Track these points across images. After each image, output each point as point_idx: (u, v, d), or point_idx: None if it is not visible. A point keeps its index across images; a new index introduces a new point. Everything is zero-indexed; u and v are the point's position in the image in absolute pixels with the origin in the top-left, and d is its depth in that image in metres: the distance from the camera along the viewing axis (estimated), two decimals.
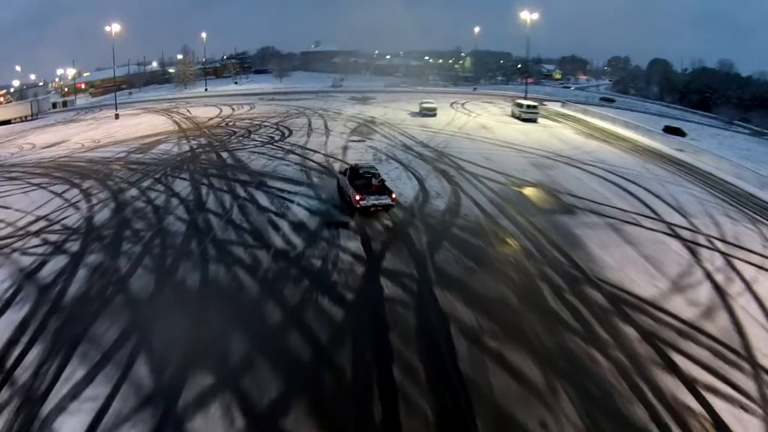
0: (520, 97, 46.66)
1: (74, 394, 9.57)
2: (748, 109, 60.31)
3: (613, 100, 57.92)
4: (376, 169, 20.59)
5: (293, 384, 9.72)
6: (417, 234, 16.61)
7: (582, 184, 22.81)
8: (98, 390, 9.60)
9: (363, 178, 19.10)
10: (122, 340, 11.06)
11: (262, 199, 19.69)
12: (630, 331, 11.59)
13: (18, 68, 65.71)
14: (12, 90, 63.53)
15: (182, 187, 21.70)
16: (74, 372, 10.15)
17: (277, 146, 29.25)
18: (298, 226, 17.06)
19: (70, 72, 71.24)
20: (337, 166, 23.91)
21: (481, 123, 38.13)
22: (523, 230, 17.23)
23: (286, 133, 33.25)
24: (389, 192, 18.38)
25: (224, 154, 27.45)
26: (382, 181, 19.38)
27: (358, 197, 17.59)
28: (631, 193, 21.74)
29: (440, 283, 13.40)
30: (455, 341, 10.91)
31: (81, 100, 62.50)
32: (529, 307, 12.48)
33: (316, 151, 27.69)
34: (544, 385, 9.82)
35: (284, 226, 17.21)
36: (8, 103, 56.55)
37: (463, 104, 46.81)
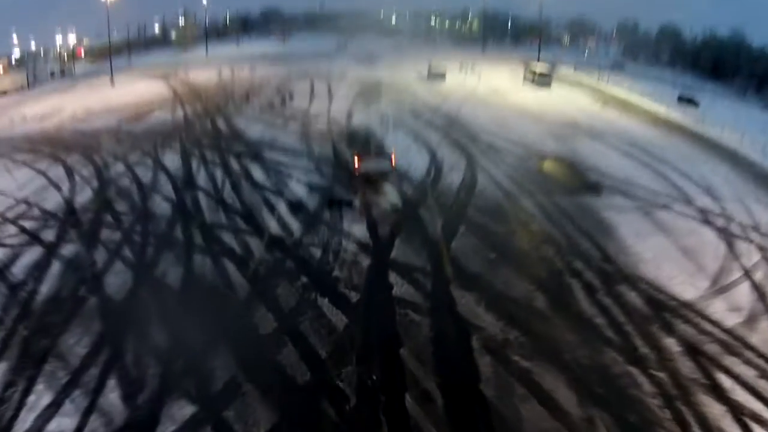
0: (531, 61, 43.34)
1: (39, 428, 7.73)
2: (762, 82, 56.02)
3: (623, 66, 54.31)
4: (374, 132, 18.89)
5: (287, 415, 7.80)
6: (430, 216, 14.38)
7: (605, 158, 20.21)
8: (64, 422, 7.76)
9: (361, 143, 17.52)
10: (93, 356, 9.05)
11: (258, 174, 17.40)
12: (671, 344, 9.47)
13: (15, 37, 61.87)
14: (13, 58, 60.20)
15: (172, 160, 19.35)
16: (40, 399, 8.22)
17: (276, 112, 26.70)
18: (297, 206, 14.85)
19: (71, 39, 67.44)
20: (340, 131, 21.61)
21: (493, 87, 34.87)
22: (547, 213, 14.94)
23: (288, 97, 30.49)
24: (389, 156, 16.87)
25: (220, 122, 24.93)
26: (381, 146, 17.77)
27: (357, 163, 16.21)
28: (657, 172, 19.14)
29: (458, 280, 11.26)
30: (478, 358, 8.86)
31: (80, 67, 59.08)
32: (559, 311, 10.35)
33: (318, 117, 25.19)
34: (579, 415, 7.81)
35: (281, 206, 14.98)
36: (6, 72, 53.49)
37: (471, 66, 43.31)
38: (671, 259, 12.65)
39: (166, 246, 12.99)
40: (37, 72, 51.03)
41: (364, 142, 17.80)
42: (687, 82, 48.67)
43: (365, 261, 12.04)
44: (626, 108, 31.25)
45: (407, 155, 19.06)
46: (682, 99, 34.81)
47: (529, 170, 18.40)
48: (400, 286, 11.01)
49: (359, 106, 27.49)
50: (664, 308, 10.62)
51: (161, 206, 15.48)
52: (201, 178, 17.30)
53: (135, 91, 36.16)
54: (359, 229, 13.51)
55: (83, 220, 14.80)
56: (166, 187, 16.82)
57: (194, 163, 18.73)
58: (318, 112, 26.37)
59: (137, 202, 15.84)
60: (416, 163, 18.34)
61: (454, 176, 17.41)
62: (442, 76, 37.07)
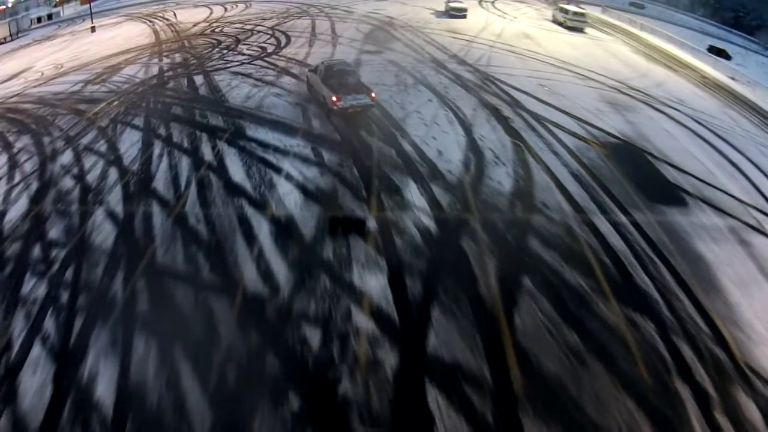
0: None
1: None
2: None
3: (642, 6, 44.58)
4: (351, 65, 15.85)
5: None
6: (477, 253, 8.91)
7: (674, 143, 14.07)
8: None
9: (338, 77, 14.57)
10: None
11: (236, 168, 11.57)
12: None
13: None
14: (8, 3, 51.43)
15: (131, 143, 13.46)
16: None
17: (268, 62, 19.95)
18: (285, 231, 9.42)
19: None
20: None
21: (522, 30, 26.95)
22: (631, 243, 9.48)
23: (283, 41, 23.44)
24: (368, 90, 14.14)
25: (198, 79, 18.38)
26: (359, 79, 14.75)
27: (334, 98, 13.62)
28: (734, 164, 13.30)
29: (529, 398, 6.24)
30: None
31: (69, 9, 50.51)
32: None
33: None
34: None
35: (262, 231, 9.48)
36: None
37: (492, 2, 34.51)
38: None
39: (99, 316, 7.88)
40: (21, 20, 43.38)
41: (340, 75, 14.63)
42: (714, 31, 39.22)
43: (388, 358, 6.84)
44: (671, 63, 23.97)
45: (435, 132, 13.05)
46: (712, 50, 27.88)
47: (594, 162, 12.37)
48: (445, 418, 6.02)
49: (369, 53, 20.49)
50: None
51: (103, 230, 10.08)
52: (160, 177, 11.60)
53: (113, 38, 29.03)
54: (377, 282, 8.13)
55: (6, 256, 9.86)
56: (114, 194, 11.39)
57: (156, 150, 12.99)
58: (319, 62, 19.65)
59: (74, 223, 10.64)
60: (448, 147, 12.37)
61: (501, 174, 11.47)
62: (463, 13, 29.03)
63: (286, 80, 17.51)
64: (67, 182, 12.20)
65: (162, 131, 14.00)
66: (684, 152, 13.74)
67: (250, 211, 9.99)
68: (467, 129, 13.51)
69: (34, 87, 21.90)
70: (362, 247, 8.95)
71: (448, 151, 12.14)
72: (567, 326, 7.73)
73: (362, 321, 7.65)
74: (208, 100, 16.16)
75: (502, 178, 11.40)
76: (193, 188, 10.94)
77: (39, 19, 45.87)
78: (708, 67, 24.70)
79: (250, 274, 8.48)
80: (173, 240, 9.48)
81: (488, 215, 10.14)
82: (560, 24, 29.00)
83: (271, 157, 11.85)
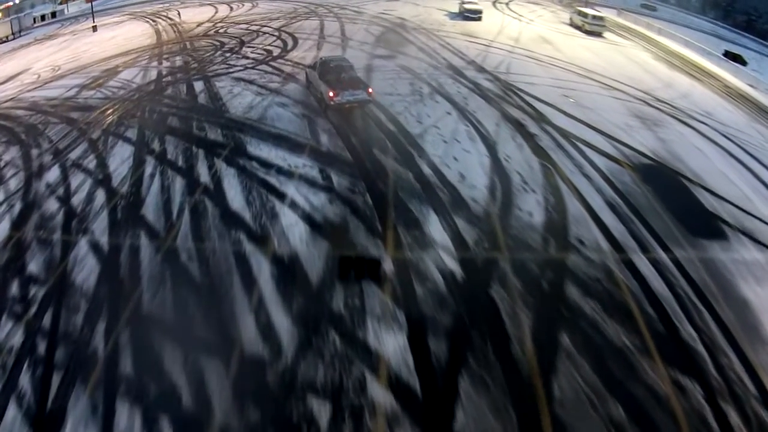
0: (580, 2, 32.68)
1: None
2: None
3: (654, 8, 42.99)
4: (349, 61, 15.41)
5: None
6: (509, 304, 7.55)
7: (707, 163, 12.56)
8: None
9: (335, 72, 14.33)
10: None
11: (234, 192, 10.26)
12: None
13: None
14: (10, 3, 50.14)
15: (121, 159, 12.25)
16: None
17: (274, 67, 18.58)
18: (289, 274, 8.14)
19: None
20: (357, 110, 13.80)
21: (540, 34, 25.33)
22: (674, 287, 8.14)
23: (290, 43, 22.17)
24: (365, 86, 13.99)
25: (198, 86, 17.06)
26: (356, 75, 14.57)
27: (331, 93, 13.48)
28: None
29: None
30: None
31: (74, 7, 49.33)
32: None
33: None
34: None
35: (263, 273, 8.20)
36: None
37: (507, 4, 32.93)
38: None
39: (78, 374, 6.69)
40: (23, 18, 42.23)
41: (338, 71, 14.36)
42: (728, 35, 37.44)
43: None
44: (690, 69, 22.47)
45: (456, 151, 11.68)
46: (728, 55, 26.32)
47: (628, 187, 10.92)
48: None
49: (381, 58, 19.04)
50: None
51: (85, 266, 8.86)
52: (151, 201, 10.33)
53: (114, 39, 27.84)
54: (395, 342, 6.82)
55: None
56: (100, 221, 10.18)
57: (148, 169, 11.73)
58: None
59: (56, 255, 9.35)
60: (471, 170, 10.98)
61: (531, 201, 10.09)
62: (478, 15, 27.44)
63: (291, 88, 16.18)
64: (52, 205, 11.00)
65: (156, 146, 12.75)
66: (718, 174, 12.31)
67: (249, 247, 8.74)
68: (491, 147, 12.12)
69: (29, 91, 20.75)
70: (378, 296, 7.67)
71: (471, 174, 10.79)
72: (610, 395, 6.44)
73: (379, 393, 6.39)
74: (207, 110, 14.88)
75: (532, 207, 10.06)
76: (186, 216, 9.67)
77: (43, 17, 44.86)
78: (728, 74, 23.18)
79: (248, 329, 7.23)
80: (162, 282, 8.25)
81: (519, 255, 8.81)
82: (578, 28, 27.48)
83: (273, 180, 10.55)
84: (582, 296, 8.04)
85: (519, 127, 13.49)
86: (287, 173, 10.81)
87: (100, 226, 9.98)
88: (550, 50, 22.34)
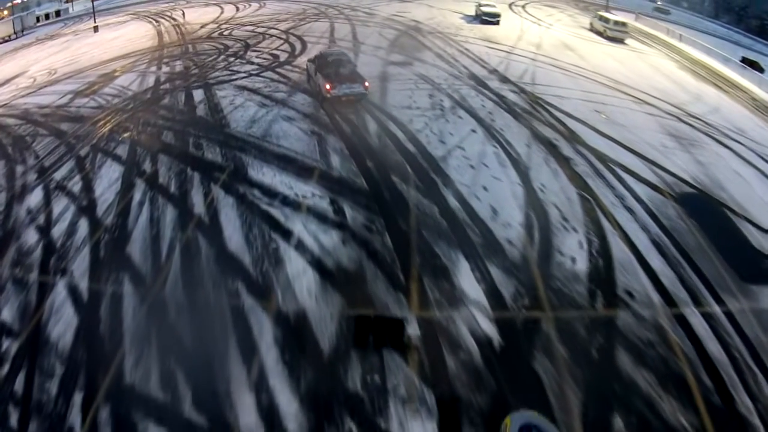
0: (595, 5, 30.93)
1: None
2: None
3: (668, 12, 41.43)
4: (347, 55, 15.52)
5: None
6: (554, 379, 6.17)
7: (749, 191, 11.22)
8: None
9: (334, 66, 14.39)
10: None
11: (232, 229, 8.82)
12: None
13: None
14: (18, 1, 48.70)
15: (109, 182, 10.80)
16: None
17: (280, 74, 17.09)
18: (296, 339, 6.70)
19: None
20: (372, 126, 12.46)
21: (561, 40, 23.65)
22: (729, 348, 7.01)
23: (298, 47, 20.72)
24: (362, 80, 14.03)
25: (198, 95, 15.58)
26: (354, 69, 14.59)
27: (328, 86, 13.62)
28: None
29: None
30: None
31: (79, 6, 47.99)
32: None
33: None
34: None
35: (265, 338, 6.71)
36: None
37: (523, 6, 31.27)
38: None
39: None
40: (26, 17, 40.94)
41: (336, 65, 14.43)
42: (744, 40, 35.62)
43: None
44: (715, 79, 21.06)
45: (485, 178, 10.19)
46: (745, 61, 24.78)
47: (674, 224, 9.53)
48: None
49: (396, 65, 17.47)
50: None
51: (63, 317, 7.45)
52: (138, 237, 8.87)
53: (115, 40, 26.47)
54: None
55: None
56: (81, 259, 8.75)
57: (137, 195, 10.28)
58: None
59: (33, 300, 8.13)
60: (504, 202, 9.51)
61: (573, 243, 8.68)
62: (496, 19, 25.76)
63: (299, 98, 14.75)
64: (31, 236, 9.64)
65: (147, 166, 11.32)
66: (761, 204, 10.84)
67: (248, 301, 7.32)
68: (523, 174, 10.62)
69: (23, 96, 19.41)
70: (402, 371, 6.25)
71: (504, 208, 9.33)
72: None
73: None
74: (205, 124, 13.42)
75: (574, 251, 8.59)
76: (176, 258, 8.32)
77: (47, 16, 43.57)
78: (752, 84, 21.64)
79: (247, 413, 5.82)
80: (147, 344, 6.87)
81: (564, 314, 7.36)
82: (599, 33, 25.82)
83: (278, 213, 9.12)
84: (635, 366, 6.65)
85: (551, 148, 11.97)
86: (293, 205, 9.37)
87: (80, 266, 8.62)
88: (574, 58, 20.73)
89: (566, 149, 12.07)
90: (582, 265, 8.41)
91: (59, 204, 10.58)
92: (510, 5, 31.47)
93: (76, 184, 11.23)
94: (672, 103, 16.94)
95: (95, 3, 44.61)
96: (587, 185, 10.71)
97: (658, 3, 42.52)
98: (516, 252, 8.46)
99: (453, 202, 9.37)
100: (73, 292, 8.09)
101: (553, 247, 8.73)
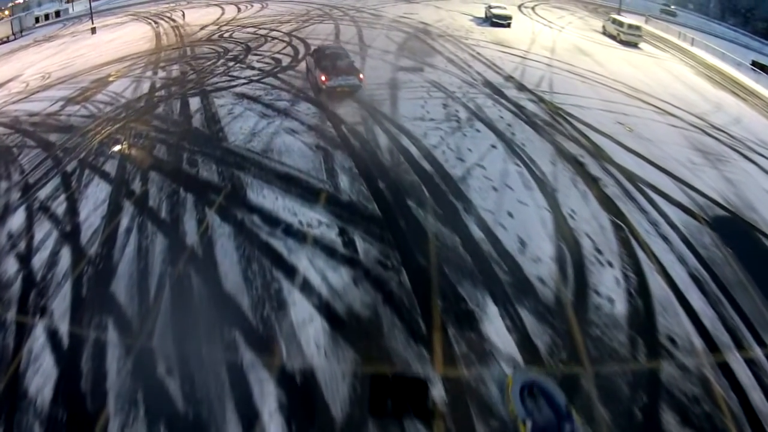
0: (604, 8, 29.73)
1: None
2: None
3: (675, 14, 40.58)
4: (344, 50, 15.98)
5: None
6: None
7: None
8: None
9: (331, 59, 14.69)
10: None
11: (229, 264, 7.73)
12: None
13: None
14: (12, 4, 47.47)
15: (95, 204, 9.71)
16: None
17: (282, 80, 15.94)
18: (303, 405, 5.65)
19: None
20: (383, 141, 11.33)
21: (575, 44, 22.53)
22: None
23: (301, 50, 19.47)
24: (357, 73, 14.37)
25: (194, 103, 14.42)
26: (351, 62, 14.87)
27: (323, 77, 13.87)
28: None
29: None
30: None
31: (80, 6, 46.82)
32: None
33: (344, 92, 14.35)
34: None
35: (267, 403, 5.63)
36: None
37: (532, 8, 30.13)
38: None
39: None
40: (24, 18, 39.77)
41: (333, 58, 14.73)
42: (748, 41, 34.51)
43: None
44: (732, 86, 20.14)
45: (509, 202, 9.14)
46: (756, 65, 24.06)
47: (711, 255, 8.66)
48: None
49: (406, 71, 16.30)
50: None
51: (41, 367, 6.44)
52: (124, 272, 7.78)
53: (112, 42, 25.40)
54: None
55: None
56: (62, 296, 7.62)
57: (124, 220, 9.22)
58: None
59: (9, 345, 6.92)
60: (532, 232, 8.46)
61: (609, 280, 7.66)
62: (507, 21, 24.58)
63: (303, 107, 13.70)
64: (10, 266, 8.65)
65: (136, 186, 10.22)
66: None
67: (248, 356, 6.27)
68: (551, 197, 9.54)
69: (14, 103, 18.37)
70: None
71: (532, 238, 8.27)
72: None
73: None
74: (201, 137, 12.30)
75: (611, 289, 7.55)
76: (165, 299, 7.29)
77: (46, 16, 42.38)
78: (766, 90, 20.63)
79: None
80: (133, 407, 5.84)
81: (605, 368, 6.33)
82: (612, 37, 24.72)
83: (280, 245, 8.05)
84: (681, 427, 5.71)
85: (578, 167, 10.88)
86: (298, 235, 8.30)
87: (61, 306, 7.60)
88: (590, 63, 19.61)
89: (593, 167, 10.97)
90: (621, 307, 7.41)
91: (41, 229, 9.56)
92: (519, 7, 30.33)
93: (60, 205, 10.19)
94: (694, 113, 15.97)
95: (96, 3, 43.59)
96: (619, 210, 9.69)
97: (672, 8, 41.43)
98: (549, 293, 7.44)
99: (476, 232, 8.33)
100: (53, 336, 7.08)
101: (589, 286, 7.70)
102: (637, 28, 24.71)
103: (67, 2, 50.25)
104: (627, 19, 25.74)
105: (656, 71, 20.54)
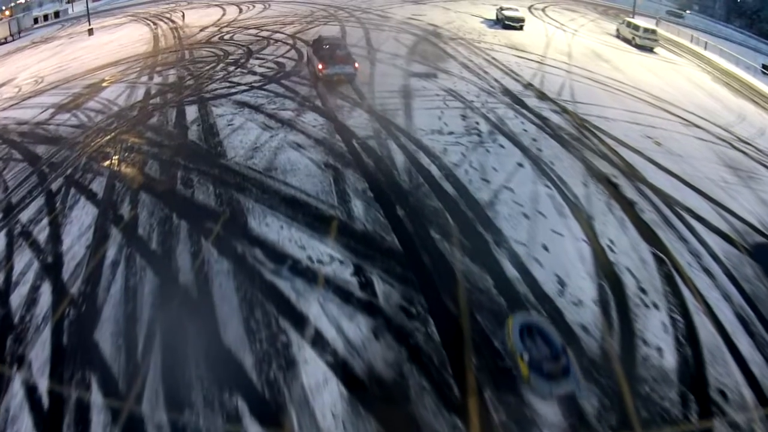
0: (614, 9, 28.58)
1: None
2: None
3: (681, 16, 39.65)
4: (342, 40, 16.92)
5: None
6: None
7: None
8: None
9: (329, 50, 15.25)
10: None
11: (228, 308, 6.64)
12: None
13: None
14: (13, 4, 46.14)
15: (80, 230, 8.67)
16: None
17: (286, 87, 14.83)
18: None
19: None
20: (399, 158, 10.28)
21: (591, 48, 21.37)
22: None
23: (306, 54, 18.72)
24: (352, 62, 14.87)
25: (191, 112, 13.31)
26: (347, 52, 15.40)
27: (320, 66, 14.52)
28: None
29: None
30: None
31: (80, 6, 45.58)
32: None
33: (354, 100, 13.44)
34: None
35: None
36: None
37: (543, 10, 29.03)
38: None
39: None
40: (23, 19, 38.58)
41: (329, 48, 15.35)
42: (756, 44, 33.45)
43: None
44: (751, 94, 19.15)
45: (543, 233, 8.14)
46: (766, 68, 23.23)
47: (755, 290, 7.80)
48: None
49: (419, 77, 15.21)
50: None
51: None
52: (108, 316, 6.73)
53: (109, 44, 24.21)
54: None
55: None
56: (41, 344, 6.61)
57: (111, 251, 8.20)
58: (354, 87, 14.55)
59: None
60: (570, 269, 7.45)
61: (656, 326, 6.74)
62: (520, 24, 23.41)
63: (309, 118, 12.62)
64: None
65: (125, 209, 9.14)
66: None
67: (253, 430, 5.36)
68: (587, 225, 8.52)
69: (4, 110, 17.21)
70: None
71: (571, 277, 7.24)
72: None
73: None
74: (197, 153, 11.16)
75: (659, 337, 6.59)
76: (156, 353, 6.27)
77: (45, 17, 41.13)
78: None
79: None
80: None
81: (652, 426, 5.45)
82: (627, 41, 23.54)
83: (287, 288, 6.96)
84: None
85: (612, 188, 9.86)
86: (307, 274, 7.24)
87: (40, 356, 6.56)
88: (609, 70, 18.47)
89: (628, 189, 9.92)
90: (670, 358, 6.45)
91: (22, 258, 8.52)
92: (529, 8, 29.21)
93: (42, 231, 9.14)
94: (719, 124, 15.02)
95: (97, 3, 42.44)
96: (659, 239, 8.71)
97: (686, 12, 40.38)
98: (593, 344, 6.43)
99: (510, 270, 7.30)
100: (31, 394, 6.09)
101: (636, 334, 6.70)
102: (653, 32, 23.60)
103: (68, 2, 49.15)
104: (642, 22, 24.69)
105: (675, 78, 19.46)
